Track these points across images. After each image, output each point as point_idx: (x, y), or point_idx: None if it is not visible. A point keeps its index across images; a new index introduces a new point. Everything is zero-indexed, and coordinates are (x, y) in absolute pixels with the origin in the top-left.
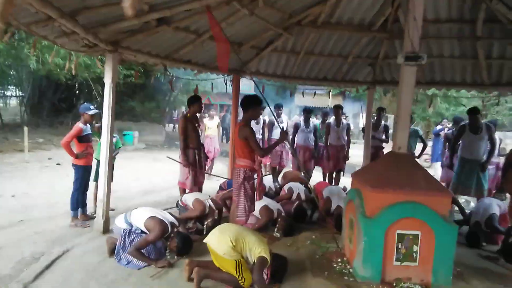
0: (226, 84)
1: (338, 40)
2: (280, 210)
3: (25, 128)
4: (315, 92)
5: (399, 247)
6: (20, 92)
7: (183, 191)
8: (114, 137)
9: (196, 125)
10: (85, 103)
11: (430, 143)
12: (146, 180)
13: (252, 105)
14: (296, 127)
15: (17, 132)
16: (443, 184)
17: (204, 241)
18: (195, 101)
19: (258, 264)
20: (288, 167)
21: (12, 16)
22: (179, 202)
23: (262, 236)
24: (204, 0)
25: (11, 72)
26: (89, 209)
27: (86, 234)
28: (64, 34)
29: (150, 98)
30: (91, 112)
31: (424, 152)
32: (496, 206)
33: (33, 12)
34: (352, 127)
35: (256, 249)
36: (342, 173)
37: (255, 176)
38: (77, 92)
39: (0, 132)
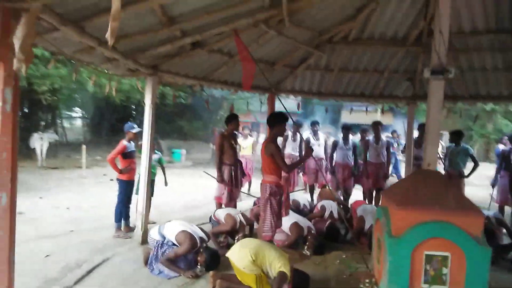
0: (261, 102)
1: (373, 55)
2: (310, 228)
3: (83, 147)
4: (366, 109)
5: (427, 268)
6: (84, 113)
7: (219, 206)
8: (156, 153)
9: (233, 142)
10: (129, 122)
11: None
12: (189, 195)
13: (278, 122)
14: (335, 145)
15: (79, 150)
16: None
17: (226, 255)
18: (232, 119)
19: (278, 278)
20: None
21: (54, 46)
22: (212, 216)
23: (284, 252)
24: (231, 24)
25: (76, 95)
26: (133, 221)
27: (127, 245)
28: (108, 60)
29: (198, 117)
30: (134, 131)
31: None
32: None
33: (76, 42)
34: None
35: (276, 264)
36: (382, 191)
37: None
38: (133, 113)
39: (64, 150)
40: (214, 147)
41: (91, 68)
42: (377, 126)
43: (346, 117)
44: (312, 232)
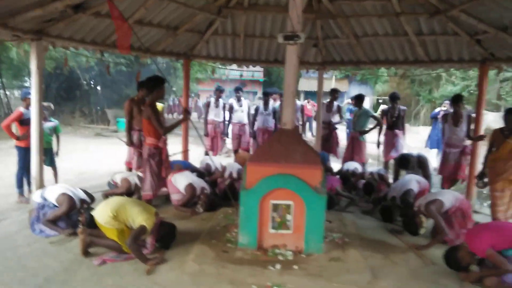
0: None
1: (274, 21)
2: (204, 188)
3: None
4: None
5: (274, 216)
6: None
7: (129, 171)
8: (52, 121)
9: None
10: (25, 89)
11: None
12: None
13: (157, 85)
14: (256, 110)
15: None
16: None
17: (91, 212)
18: (141, 86)
19: (134, 231)
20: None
21: None
22: (110, 180)
23: (151, 208)
24: None
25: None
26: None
27: (23, 209)
28: None
29: None
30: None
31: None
32: (415, 182)
33: None
34: None
35: (137, 218)
36: None
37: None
38: (82, 80)
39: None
40: (173, 116)
41: None
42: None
43: (303, 85)
44: (205, 191)
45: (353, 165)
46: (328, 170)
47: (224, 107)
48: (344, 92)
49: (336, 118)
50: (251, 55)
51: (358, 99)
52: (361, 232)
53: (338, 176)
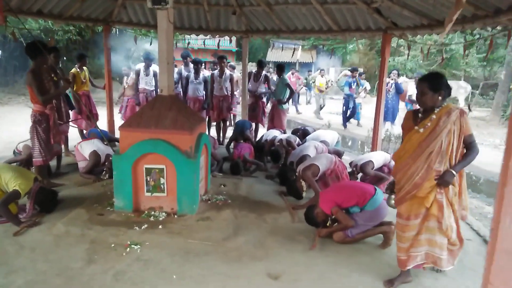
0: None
1: None
2: (109, 155)
3: None
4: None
5: (148, 179)
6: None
7: None
8: None
9: (53, 75)
10: None
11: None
12: None
13: (39, 52)
14: (187, 79)
15: None
16: None
17: None
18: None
19: (6, 195)
20: None
21: None
22: (15, 148)
23: (29, 174)
24: None
25: None
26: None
27: None
28: None
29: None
30: None
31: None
32: (313, 148)
33: None
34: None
35: (12, 183)
36: (228, 122)
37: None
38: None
39: None
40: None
41: None
42: (221, 60)
43: (272, 55)
44: (110, 158)
45: (272, 134)
46: (245, 138)
47: (155, 75)
48: (312, 63)
49: (262, 88)
50: (175, 22)
51: (278, 68)
52: (252, 195)
53: (249, 144)
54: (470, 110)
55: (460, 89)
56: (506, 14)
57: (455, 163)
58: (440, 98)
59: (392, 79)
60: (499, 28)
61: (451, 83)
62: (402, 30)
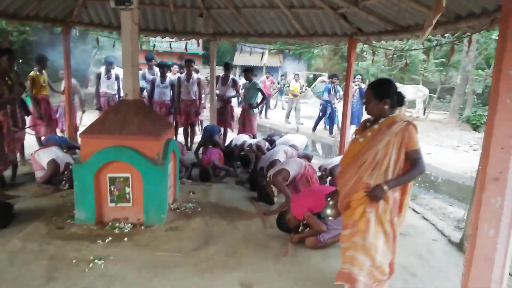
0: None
1: None
2: (68, 163)
3: None
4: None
5: (112, 189)
6: None
7: None
8: None
9: (7, 79)
10: None
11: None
12: None
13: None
14: (153, 83)
15: None
16: None
17: None
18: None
19: None
20: None
21: None
22: None
23: None
24: None
25: None
26: None
27: None
28: None
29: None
30: None
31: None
32: (283, 153)
33: None
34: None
35: None
36: (196, 128)
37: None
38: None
39: None
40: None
41: None
42: (189, 63)
43: (240, 59)
44: (70, 167)
45: (242, 138)
46: (215, 144)
47: (117, 78)
48: (279, 67)
49: (231, 92)
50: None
51: (248, 72)
52: (222, 202)
53: (219, 149)
54: (424, 113)
55: (418, 93)
56: (466, 20)
57: (392, 178)
58: (386, 106)
59: (356, 84)
60: (458, 34)
61: (410, 87)
62: (367, 36)
